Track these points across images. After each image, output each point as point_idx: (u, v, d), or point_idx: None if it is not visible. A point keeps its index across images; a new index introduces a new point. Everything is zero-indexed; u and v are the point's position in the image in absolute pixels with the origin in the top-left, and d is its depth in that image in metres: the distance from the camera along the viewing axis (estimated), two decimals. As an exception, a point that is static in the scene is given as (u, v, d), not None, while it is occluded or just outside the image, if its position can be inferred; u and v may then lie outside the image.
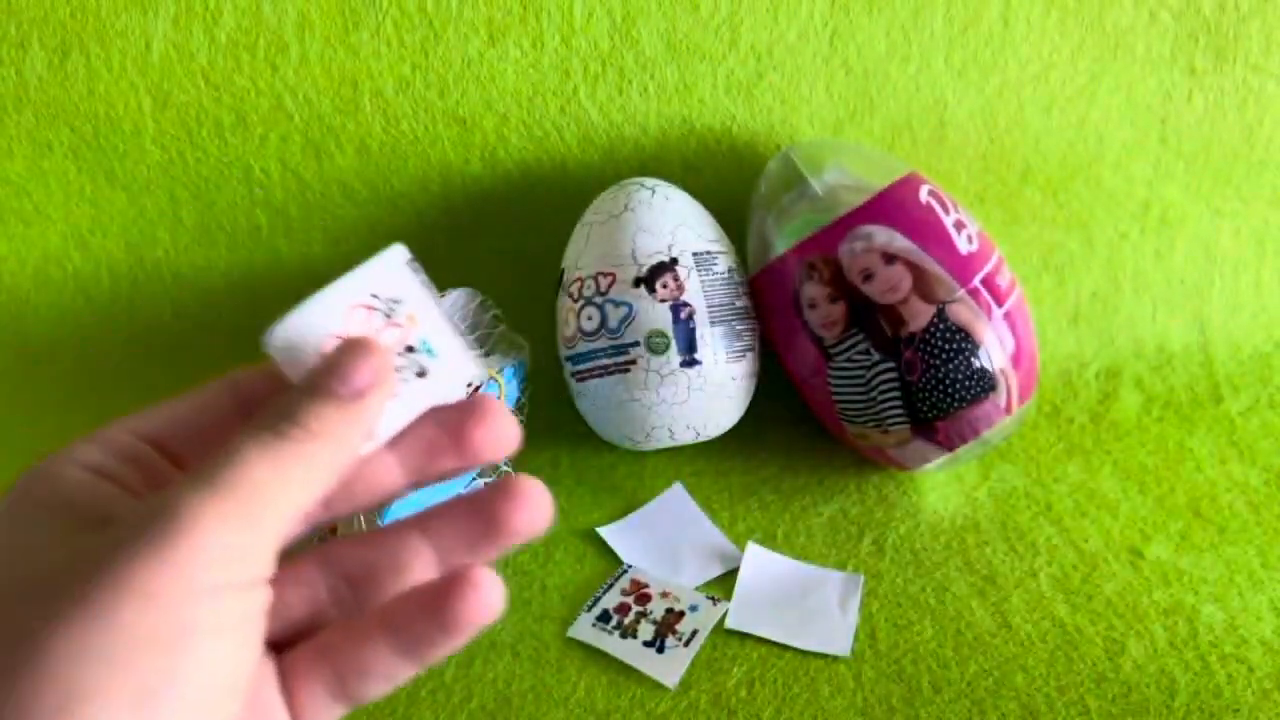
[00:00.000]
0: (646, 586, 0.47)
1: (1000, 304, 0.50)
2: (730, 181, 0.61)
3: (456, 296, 0.54)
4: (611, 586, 0.47)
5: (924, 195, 0.51)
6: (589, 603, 0.46)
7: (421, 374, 0.23)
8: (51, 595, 0.17)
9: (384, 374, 0.21)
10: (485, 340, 0.55)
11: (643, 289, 0.51)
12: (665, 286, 0.51)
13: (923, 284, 0.49)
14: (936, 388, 0.49)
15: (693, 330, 0.51)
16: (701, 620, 0.45)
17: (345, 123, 0.60)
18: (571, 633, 0.44)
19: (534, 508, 0.22)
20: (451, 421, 0.23)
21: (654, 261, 0.51)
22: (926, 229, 0.50)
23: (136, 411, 0.22)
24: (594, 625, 0.45)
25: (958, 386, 0.49)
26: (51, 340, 0.65)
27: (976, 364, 0.49)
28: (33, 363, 0.65)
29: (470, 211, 0.63)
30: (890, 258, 0.49)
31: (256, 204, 0.63)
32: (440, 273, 0.67)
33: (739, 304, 0.53)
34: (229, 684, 0.18)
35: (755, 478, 0.56)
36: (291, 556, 0.22)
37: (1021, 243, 0.64)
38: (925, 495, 0.54)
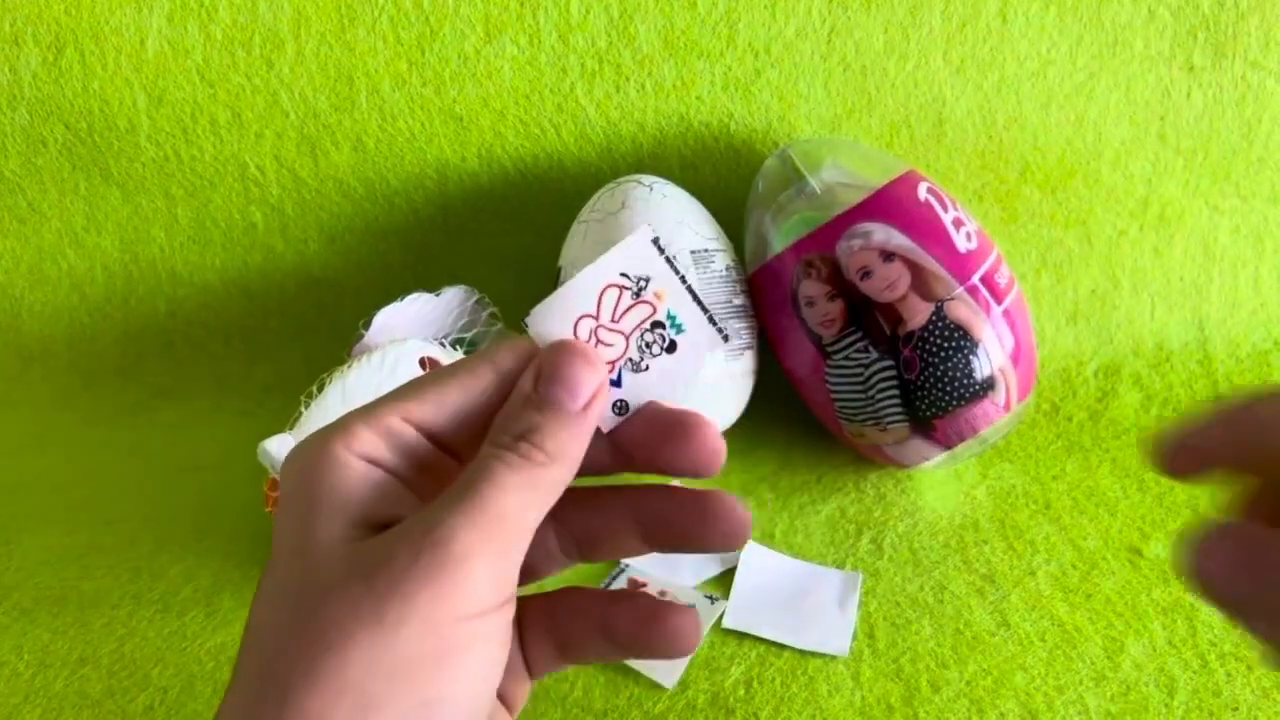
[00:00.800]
0: (644, 585, 0.47)
1: (999, 302, 0.49)
2: (728, 179, 0.61)
3: (453, 294, 0.54)
4: (609, 585, 0.47)
5: (922, 193, 0.51)
6: (586, 602, 0.46)
7: (670, 348, 0.24)
8: (347, 608, 0.19)
9: (605, 384, 0.23)
10: (482, 339, 0.55)
11: (640, 286, 0.51)
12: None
13: (921, 282, 0.49)
14: (935, 386, 0.49)
15: (690, 328, 0.51)
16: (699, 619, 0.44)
17: (341, 120, 0.60)
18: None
19: (733, 526, 0.24)
20: (663, 432, 0.24)
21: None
22: (925, 226, 0.49)
23: (404, 391, 0.23)
24: (591, 624, 0.44)
25: (956, 385, 0.49)
26: (45, 338, 0.65)
27: (975, 362, 0.49)
28: (27, 360, 0.64)
29: (467, 209, 0.62)
30: (888, 255, 0.49)
31: (252, 201, 0.62)
32: (436, 270, 0.68)
33: (736, 302, 0.53)
34: (489, 687, 0.21)
35: (753, 476, 0.56)
36: None
37: (1020, 240, 0.64)
38: (924, 494, 0.54)
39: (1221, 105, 0.62)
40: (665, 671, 0.42)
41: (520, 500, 0.21)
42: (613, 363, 0.24)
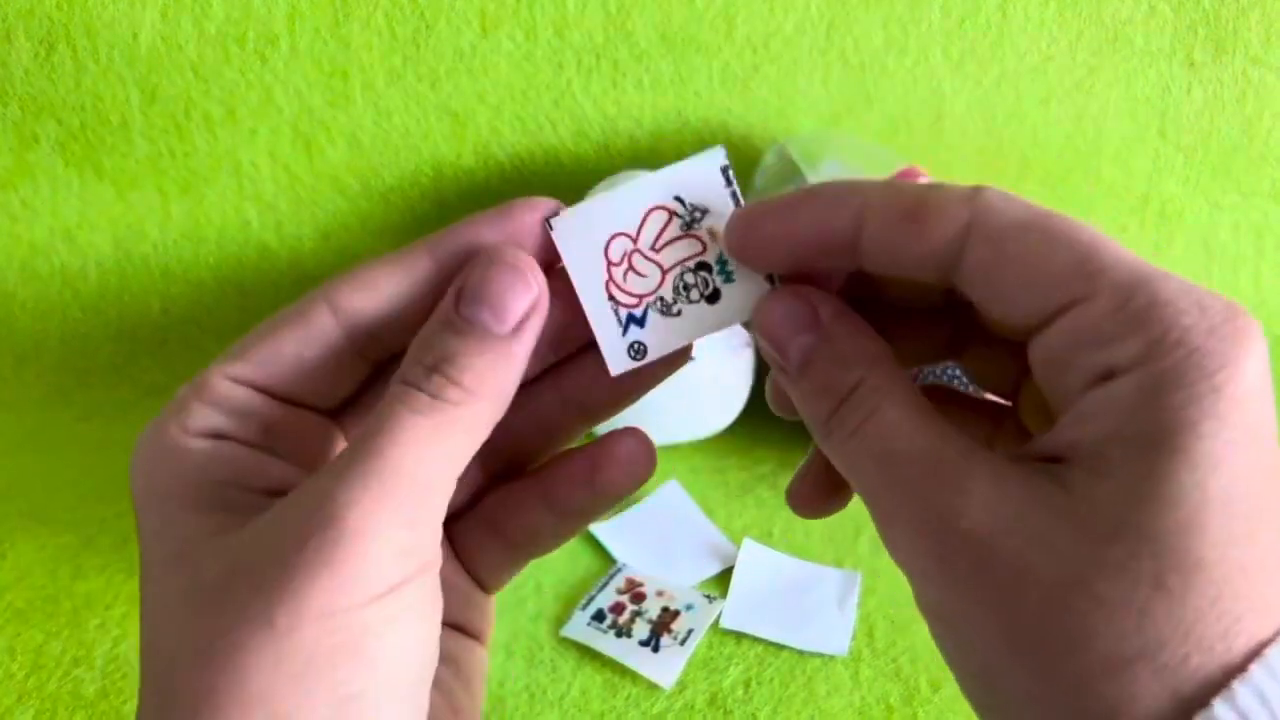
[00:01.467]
0: (641, 585, 0.46)
1: (999, 299, 0.49)
2: (726, 175, 0.61)
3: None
4: (606, 585, 0.47)
5: (922, 189, 0.51)
6: (583, 602, 0.45)
7: (712, 298, 0.21)
8: (234, 613, 0.17)
9: (542, 303, 0.20)
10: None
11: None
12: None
13: (920, 278, 0.48)
14: (935, 383, 0.49)
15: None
16: (697, 619, 0.44)
17: (336, 115, 0.60)
18: (565, 632, 0.44)
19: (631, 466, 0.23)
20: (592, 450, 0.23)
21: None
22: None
23: (226, 352, 0.20)
24: (588, 624, 0.44)
25: (956, 382, 0.49)
26: (38, 335, 0.64)
27: (975, 359, 0.48)
28: (19, 359, 0.64)
29: (463, 205, 0.62)
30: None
31: (246, 198, 0.62)
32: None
33: (735, 299, 0.53)
34: (418, 661, 0.18)
35: (752, 475, 0.56)
36: None
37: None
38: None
39: (1222, 101, 0.62)
40: (663, 672, 0.42)
41: (430, 452, 0.18)
42: (640, 298, 0.21)
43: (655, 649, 0.43)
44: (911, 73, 0.60)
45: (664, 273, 0.21)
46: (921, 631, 0.44)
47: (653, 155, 0.61)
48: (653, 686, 0.41)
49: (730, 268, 0.21)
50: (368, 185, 0.62)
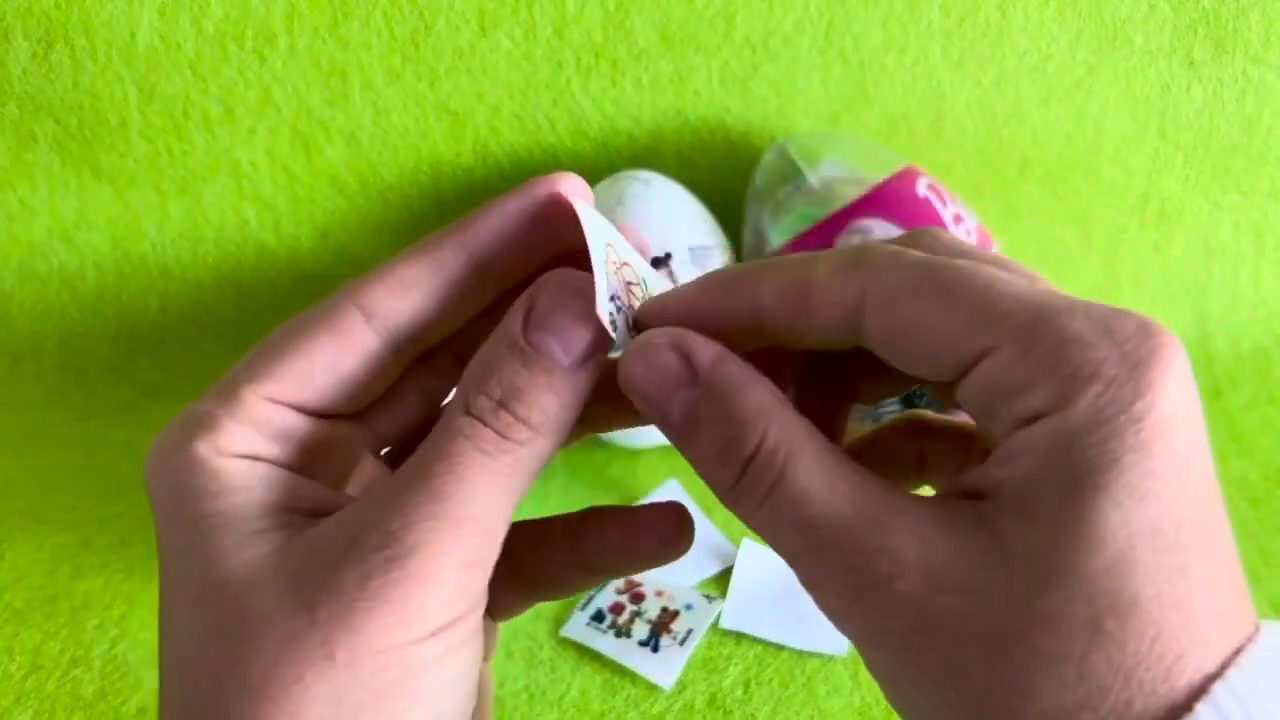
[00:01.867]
0: (641, 585, 0.46)
1: (999, 298, 0.49)
2: (725, 174, 0.61)
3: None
4: (605, 585, 0.46)
5: (922, 188, 0.51)
6: (582, 602, 0.45)
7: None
8: (289, 645, 0.16)
9: (605, 334, 0.19)
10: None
11: (637, 283, 0.50)
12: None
13: (920, 278, 0.48)
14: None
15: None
16: (697, 619, 0.44)
17: (334, 115, 0.60)
18: (564, 632, 0.44)
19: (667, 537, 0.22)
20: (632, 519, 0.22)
21: (648, 256, 0.51)
22: (924, 222, 0.49)
23: (254, 363, 0.19)
24: (588, 624, 0.44)
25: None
26: (36, 335, 0.64)
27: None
28: (16, 359, 0.64)
29: (462, 204, 0.62)
30: (887, 251, 0.49)
31: (244, 197, 0.62)
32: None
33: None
34: (464, 693, 0.18)
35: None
36: None
37: (1020, 236, 0.63)
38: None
39: (1222, 100, 0.61)
40: (663, 672, 0.41)
41: (495, 492, 0.18)
42: (619, 305, 0.20)
43: (654, 649, 0.43)
44: (911, 72, 0.60)
45: (630, 294, 0.21)
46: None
47: (652, 154, 0.61)
48: (652, 687, 0.41)
49: (646, 279, 0.21)
50: (366, 184, 0.61)
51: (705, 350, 0.18)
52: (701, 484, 0.56)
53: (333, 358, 0.19)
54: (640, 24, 0.58)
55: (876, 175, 0.51)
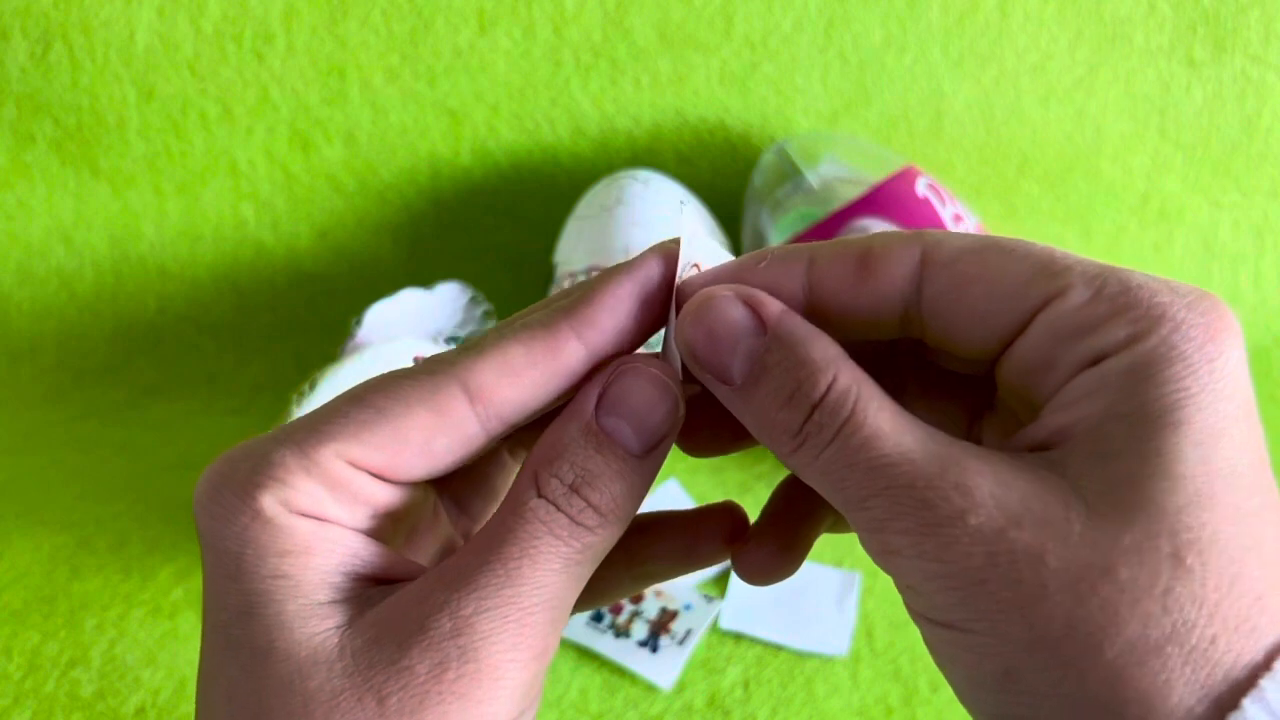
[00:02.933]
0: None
1: (998, 298, 0.49)
2: (725, 174, 0.61)
3: (446, 290, 0.53)
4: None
5: (921, 188, 0.51)
6: (582, 602, 0.45)
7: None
8: None
9: (679, 423, 0.19)
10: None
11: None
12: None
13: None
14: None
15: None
16: (696, 619, 0.44)
17: (333, 114, 0.59)
18: (563, 632, 0.44)
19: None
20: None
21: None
22: (924, 222, 0.49)
23: (333, 416, 0.18)
24: (587, 625, 0.44)
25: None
26: (34, 336, 0.64)
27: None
28: (14, 359, 0.64)
29: (460, 204, 0.62)
30: (887, 251, 0.49)
31: (242, 197, 0.62)
32: (429, 266, 0.67)
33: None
34: None
35: (750, 474, 0.55)
36: None
37: (1020, 235, 0.63)
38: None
39: (1222, 99, 0.61)
40: (662, 673, 0.41)
41: (566, 579, 0.17)
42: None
43: (654, 649, 0.42)
44: (910, 71, 0.60)
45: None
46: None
47: (651, 154, 0.61)
48: (651, 687, 0.41)
49: None
50: (365, 183, 0.61)
51: (772, 302, 0.18)
52: (700, 484, 0.56)
53: (428, 436, 0.18)
54: (639, 23, 0.58)
55: (876, 175, 0.51)
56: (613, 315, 0.19)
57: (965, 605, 0.16)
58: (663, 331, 0.20)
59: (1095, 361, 0.16)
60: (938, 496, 0.16)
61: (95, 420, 0.60)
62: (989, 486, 0.16)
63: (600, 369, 0.19)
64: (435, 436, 0.18)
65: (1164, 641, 0.15)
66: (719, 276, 0.19)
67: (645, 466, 0.18)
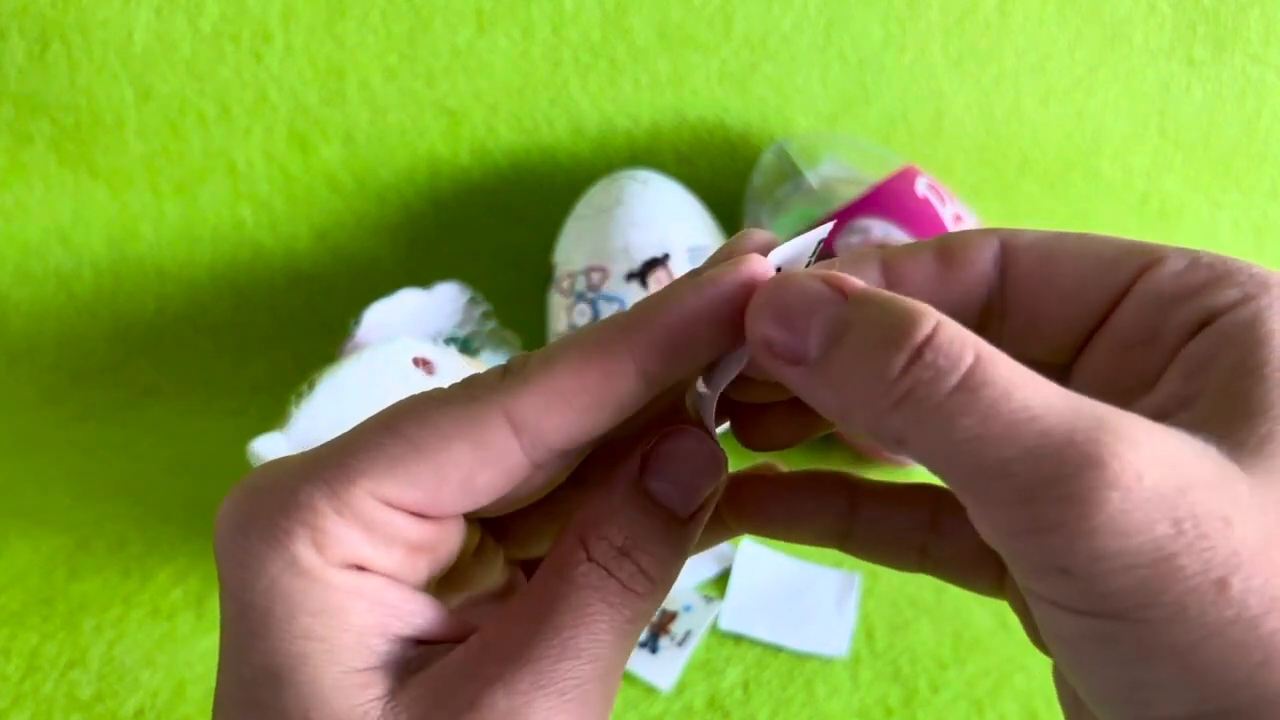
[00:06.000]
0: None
1: (998, 298, 0.49)
2: (724, 173, 0.61)
3: (445, 290, 0.53)
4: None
5: (921, 188, 0.50)
6: (581, 603, 0.45)
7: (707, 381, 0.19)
8: None
9: (723, 483, 0.18)
10: (475, 337, 0.54)
11: (635, 284, 0.50)
12: (659, 281, 0.50)
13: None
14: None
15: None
16: (695, 620, 0.44)
17: (331, 114, 0.59)
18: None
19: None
20: None
21: (646, 256, 0.50)
22: (924, 222, 0.49)
23: (363, 447, 0.16)
24: (586, 626, 0.44)
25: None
26: (32, 336, 0.64)
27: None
28: (13, 359, 0.64)
29: (459, 204, 0.62)
30: (887, 251, 0.49)
31: (240, 197, 0.62)
32: (428, 266, 0.67)
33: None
34: None
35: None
36: None
37: (1018, 236, 0.63)
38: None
39: (1222, 99, 0.61)
40: (662, 674, 0.41)
41: (621, 650, 0.16)
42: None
43: (653, 650, 0.42)
44: (910, 71, 0.60)
45: None
46: (921, 632, 0.44)
47: (650, 154, 0.61)
48: (651, 688, 0.41)
49: None
50: (363, 184, 0.61)
51: (853, 278, 0.16)
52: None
53: (469, 471, 0.16)
54: (639, 23, 0.58)
55: (876, 175, 0.51)
56: (672, 329, 0.16)
57: (1146, 586, 0.13)
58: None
59: (1205, 324, 0.15)
60: (1106, 452, 0.13)
61: (94, 421, 0.60)
62: (1158, 440, 0.13)
63: (666, 397, 0.18)
64: (477, 471, 0.16)
65: None
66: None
67: (689, 530, 0.18)
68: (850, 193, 0.50)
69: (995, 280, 0.17)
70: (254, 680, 0.16)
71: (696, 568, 0.48)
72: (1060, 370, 0.18)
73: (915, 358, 0.14)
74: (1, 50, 0.58)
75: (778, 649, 0.43)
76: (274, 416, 0.45)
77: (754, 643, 0.43)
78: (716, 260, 0.17)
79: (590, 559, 0.17)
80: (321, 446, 0.17)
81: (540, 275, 0.59)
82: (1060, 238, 0.17)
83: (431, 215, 0.62)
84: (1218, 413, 0.14)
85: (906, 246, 0.18)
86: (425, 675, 0.16)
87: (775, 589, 0.46)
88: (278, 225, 0.62)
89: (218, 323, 0.63)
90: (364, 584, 0.16)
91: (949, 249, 0.17)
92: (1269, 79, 0.61)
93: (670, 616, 0.44)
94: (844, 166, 0.53)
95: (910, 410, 0.14)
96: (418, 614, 0.17)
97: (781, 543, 0.50)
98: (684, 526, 0.18)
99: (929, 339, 0.14)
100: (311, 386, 0.44)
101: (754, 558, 0.48)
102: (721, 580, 0.47)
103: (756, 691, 0.41)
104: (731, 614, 0.44)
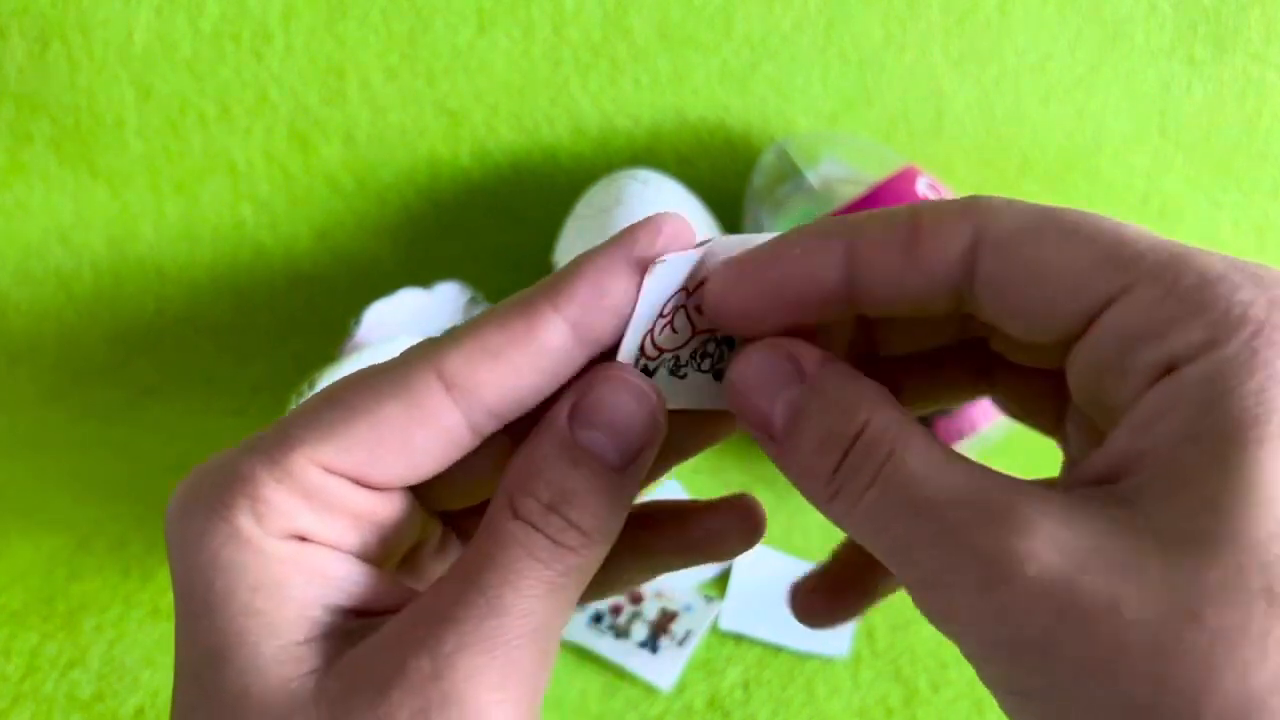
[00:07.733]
0: (640, 586, 0.46)
1: (999, 298, 0.49)
2: (725, 173, 0.61)
3: (445, 289, 0.53)
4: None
5: (922, 187, 0.50)
6: (581, 603, 0.45)
7: (719, 374, 0.19)
8: None
9: (662, 430, 0.18)
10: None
11: (635, 283, 0.50)
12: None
13: (920, 277, 0.48)
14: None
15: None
16: (696, 620, 0.44)
17: (331, 114, 0.59)
18: (563, 634, 0.44)
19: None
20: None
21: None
22: (924, 221, 0.49)
23: (301, 421, 0.17)
24: (586, 626, 0.44)
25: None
26: (32, 337, 0.64)
27: (975, 359, 0.48)
28: (13, 359, 0.64)
29: (459, 204, 0.62)
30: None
31: (241, 197, 0.62)
32: (428, 266, 0.67)
33: (733, 298, 0.53)
34: None
35: (751, 475, 0.55)
36: None
37: (1019, 235, 0.63)
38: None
39: (1223, 99, 0.61)
40: (662, 674, 0.41)
41: (551, 605, 0.16)
42: (660, 352, 0.19)
43: (654, 650, 0.42)
44: (911, 70, 0.60)
45: (694, 334, 0.19)
46: (921, 633, 0.44)
47: (650, 154, 0.61)
48: (651, 688, 0.41)
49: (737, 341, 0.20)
50: (364, 184, 0.61)
51: (812, 352, 0.17)
52: (700, 485, 0.56)
53: (404, 431, 0.16)
54: (639, 22, 0.58)
55: (876, 174, 0.51)
56: (594, 288, 0.17)
57: (1037, 672, 0.14)
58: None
59: (1168, 369, 0.14)
60: (994, 543, 0.14)
61: (94, 421, 0.60)
62: (1051, 529, 0.14)
63: (601, 360, 0.18)
64: (412, 430, 0.16)
65: (1267, 692, 0.13)
66: (753, 262, 0.18)
67: (626, 480, 0.17)
68: (850, 192, 0.50)
69: (963, 276, 0.16)
70: (199, 661, 0.16)
71: (697, 567, 0.48)
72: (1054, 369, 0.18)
73: (843, 458, 0.16)
74: (1, 50, 0.58)
75: (778, 649, 0.43)
76: (274, 416, 0.45)
77: (754, 642, 0.43)
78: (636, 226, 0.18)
79: (517, 517, 0.17)
80: (268, 426, 0.17)
81: (540, 275, 0.58)
82: (1039, 232, 0.16)
83: (431, 215, 0.62)
84: (1157, 480, 0.14)
85: (879, 221, 0.17)
86: (362, 645, 0.16)
87: (775, 589, 0.46)
88: (278, 225, 0.62)
89: (218, 323, 0.63)
90: (305, 554, 0.16)
91: (917, 231, 0.17)
92: (1270, 78, 0.61)
93: (670, 616, 0.44)
94: (844, 166, 0.53)
95: (840, 504, 0.16)
96: (361, 585, 0.17)
97: (782, 544, 0.50)
98: (620, 476, 0.17)
99: (859, 435, 0.16)
100: (312, 386, 0.44)
101: (755, 557, 0.48)
102: (722, 580, 0.47)
103: (757, 691, 0.41)
104: (732, 614, 0.44)
